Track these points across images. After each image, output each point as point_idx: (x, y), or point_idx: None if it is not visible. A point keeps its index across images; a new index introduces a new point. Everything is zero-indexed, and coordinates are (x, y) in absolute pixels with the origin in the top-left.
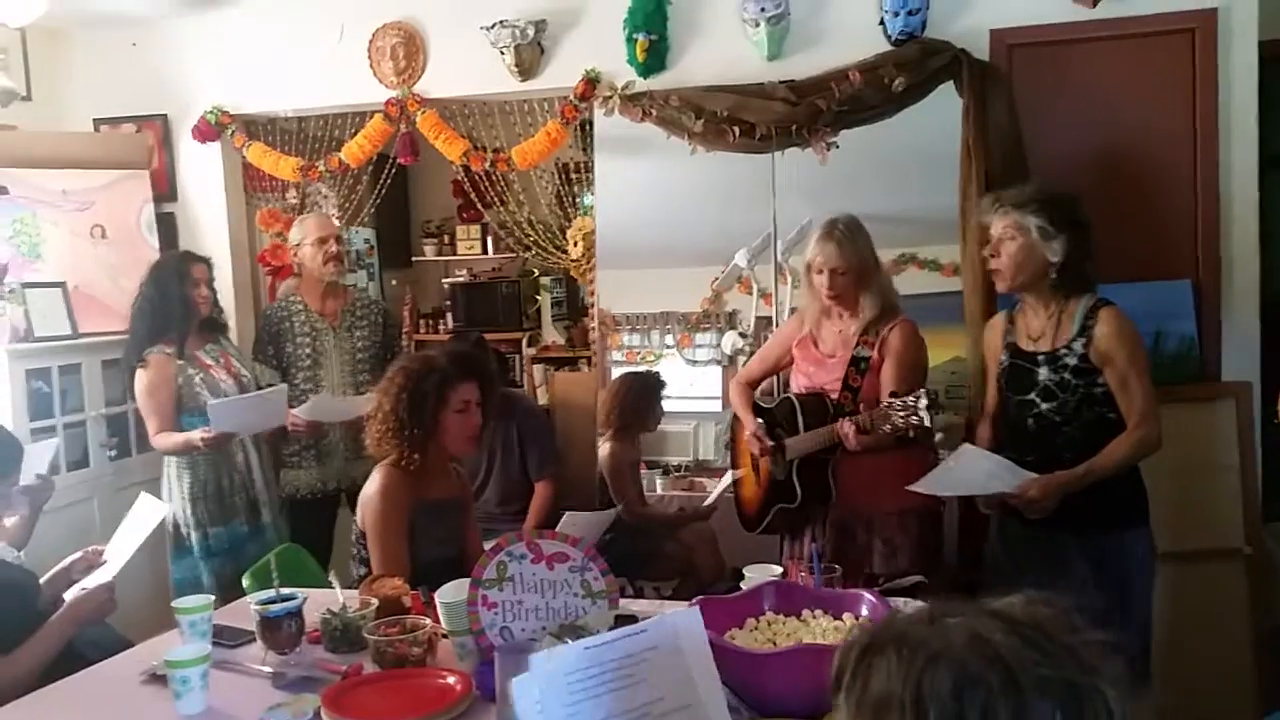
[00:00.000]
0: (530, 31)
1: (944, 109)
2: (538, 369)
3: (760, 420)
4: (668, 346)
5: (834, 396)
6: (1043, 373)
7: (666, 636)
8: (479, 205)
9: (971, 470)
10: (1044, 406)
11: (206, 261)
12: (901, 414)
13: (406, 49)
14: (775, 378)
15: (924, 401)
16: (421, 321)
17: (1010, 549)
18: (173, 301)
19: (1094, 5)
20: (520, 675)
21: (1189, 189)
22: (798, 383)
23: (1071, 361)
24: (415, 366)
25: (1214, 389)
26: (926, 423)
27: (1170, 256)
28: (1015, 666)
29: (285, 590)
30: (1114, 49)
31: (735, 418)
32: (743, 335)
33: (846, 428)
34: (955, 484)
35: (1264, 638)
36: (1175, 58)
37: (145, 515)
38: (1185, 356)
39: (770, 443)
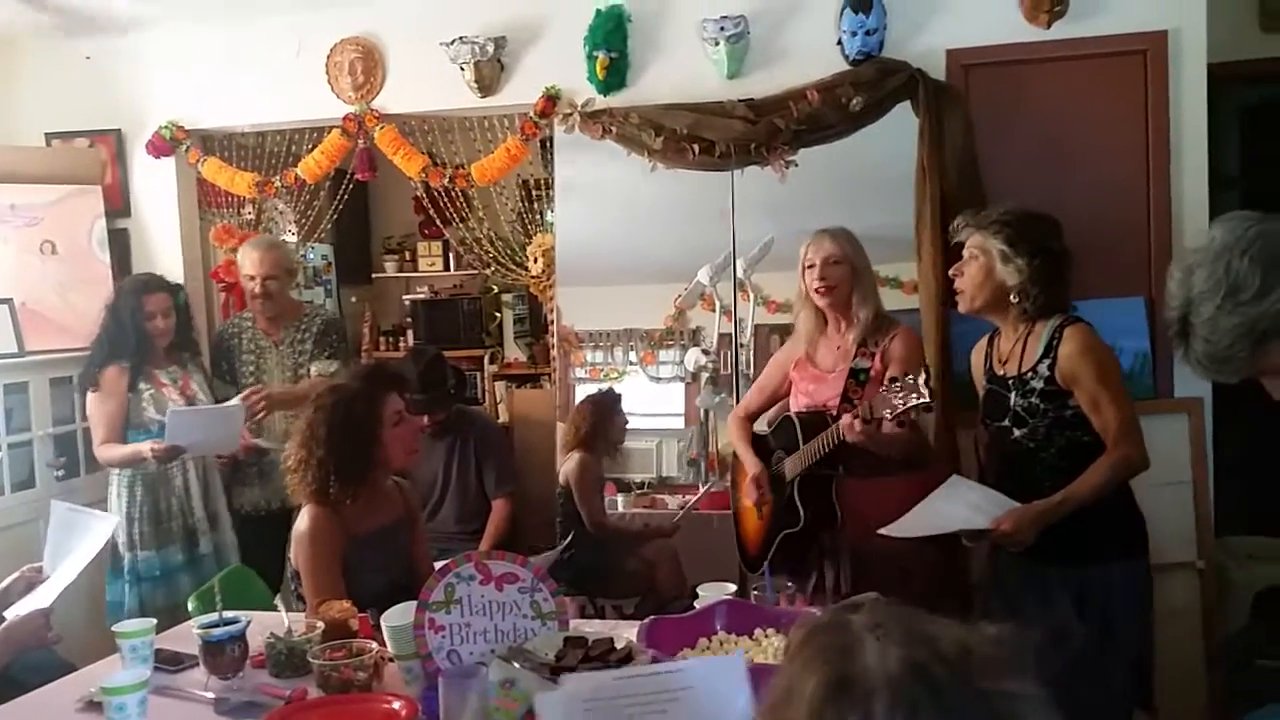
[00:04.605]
0: (490, 48)
1: (901, 128)
2: (500, 386)
3: (760, 463)
4: (631, 363)
5: (834, 412)
6: (1013, 398)
7: (705, 681)
8: (439, 222)
9: (953, 504)
10: (1017, 433)
11: (169, 289)
12: (900, 394)
13: (365, 64)
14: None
15: (923, 377)
16: (382, 338)
17: (999, 579)
18: (127, 330)
19: (1048, 26)
20: (547, 692)
21: (1142, 207)
22: (798, 403)
23: (1038, 385)
24: (328, 401)
25: (1166, 405)
26: (928, 398)
27: (1124, 274)
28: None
29: (229, 614)
30: (1068, 69)
31: (734, 454)
32: (706, 352)
33: (846, 420)
34: (932, 522)
35: (1216, 651)
36: (1127, 79)
37: (92, 533)
38: (1140, 373)
39: (770, 495)
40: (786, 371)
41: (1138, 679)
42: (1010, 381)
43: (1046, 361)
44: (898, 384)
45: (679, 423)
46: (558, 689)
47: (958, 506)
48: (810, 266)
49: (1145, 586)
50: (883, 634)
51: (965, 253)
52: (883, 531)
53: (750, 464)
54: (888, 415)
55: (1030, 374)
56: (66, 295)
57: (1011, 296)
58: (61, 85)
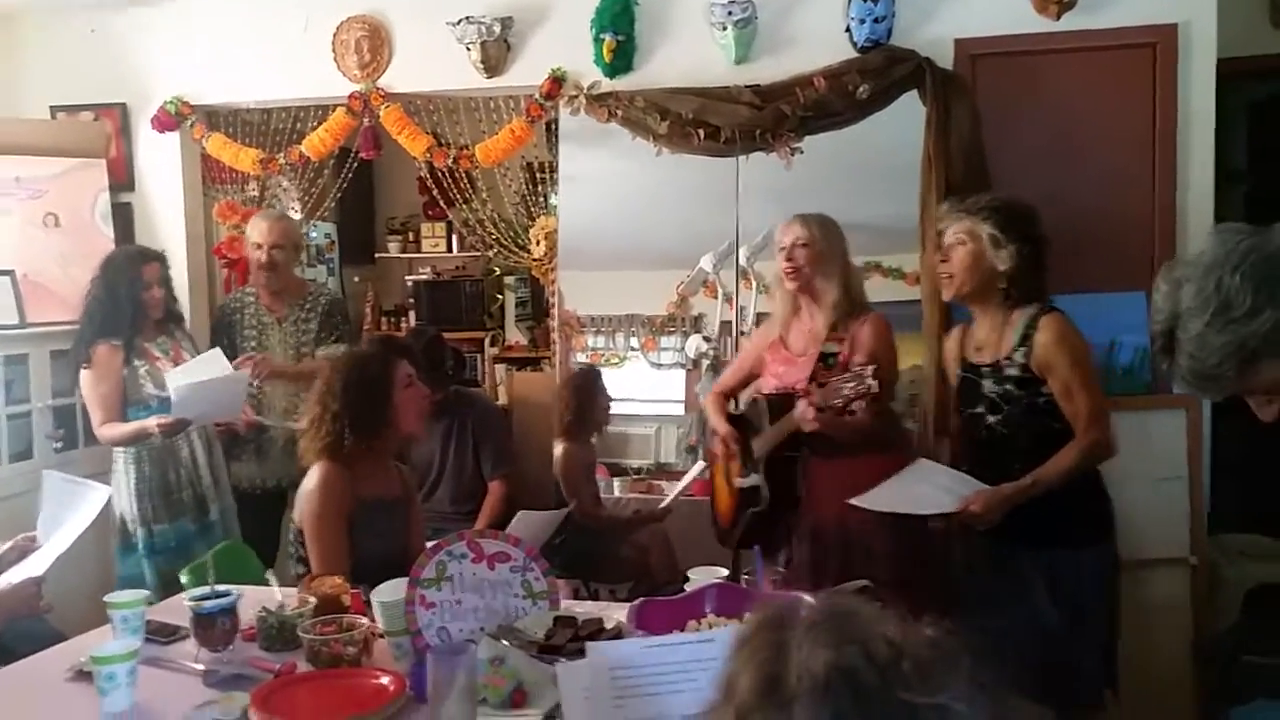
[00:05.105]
0: (497, 28)
1: (907, 117)
2: (500, 368)
3: (730, 427)
4: (632, 349)
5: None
6: (987, 385)
7: None
8: (442, 203)
9: (922, 484)
10: (990, 420)
11: (160, 258)
12: (851, 384)
13: (371, 42)
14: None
15: (871, 368)
16: (384, 319)
17: (970, 562)
18: (122, 303)
19: (1058, 18)
20: (573, 662)
21: (1147, 201)
22: (768, 384)
23: (1013, 373)
24: (346, 362)
25: (1163, 400)
26: (875, 389)
27: (1126, 268)
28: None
29: (220, 587)
30: (1076, 61)
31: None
32: (707, 339)
33: (801, 408)
34: (901, 500)
35: (1206, 647)
36: (1136, 72)
37: (87, 502)
38: (1139, 369)
39: (736, 444)
40: (762, 351)
41: (1105, 665)
42: (984, 369)
43: (1022, 349)
44: (848, 374)
45: (679, 409)
46: (585, 657)
47: (927, 488)
48: (781, 250)
49: (1114, 570)
50: (817, 633)
51: (950, 238)
52: (853, 501)
53: (720, 425)
54: (838, 404)
55: (1006, 361)
56: (69, 268)
57: (999, 282)
58: (67, 58)
